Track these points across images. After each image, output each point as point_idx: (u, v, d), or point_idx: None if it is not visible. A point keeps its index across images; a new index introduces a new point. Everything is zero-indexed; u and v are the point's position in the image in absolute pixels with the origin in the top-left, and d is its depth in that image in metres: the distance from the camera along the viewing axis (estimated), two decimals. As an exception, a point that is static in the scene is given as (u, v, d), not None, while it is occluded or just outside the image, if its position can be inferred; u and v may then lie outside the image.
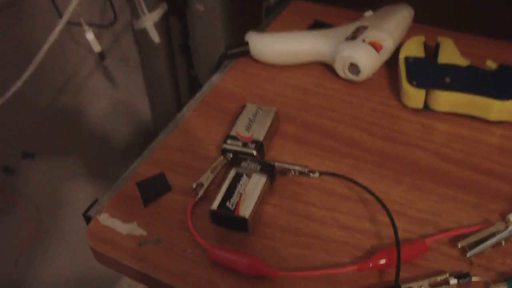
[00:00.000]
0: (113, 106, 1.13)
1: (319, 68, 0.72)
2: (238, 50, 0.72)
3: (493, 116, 0.63)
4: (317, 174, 0.57)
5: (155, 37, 1.04)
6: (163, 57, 1.07)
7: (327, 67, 0.71)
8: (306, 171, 0.57)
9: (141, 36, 1.04)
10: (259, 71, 0.72)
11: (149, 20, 1.02)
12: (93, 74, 1.06)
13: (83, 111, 1.06)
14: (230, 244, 0.52)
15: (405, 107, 0.66)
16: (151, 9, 0.99)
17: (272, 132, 0.61)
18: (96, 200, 0.56)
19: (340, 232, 0.53)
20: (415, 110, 0.65)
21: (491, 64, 0.66)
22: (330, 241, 0.52)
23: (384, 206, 0.52)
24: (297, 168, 0.57)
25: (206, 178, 0.56)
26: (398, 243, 0.49)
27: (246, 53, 0.72)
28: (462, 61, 0.66)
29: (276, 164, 0.56)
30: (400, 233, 0.52)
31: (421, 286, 0.48)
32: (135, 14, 0.99)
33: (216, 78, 0.71)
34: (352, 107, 0.66)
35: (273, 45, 0.71)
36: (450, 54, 0.67)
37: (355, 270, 0.49)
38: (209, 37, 0.88)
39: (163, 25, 1.04)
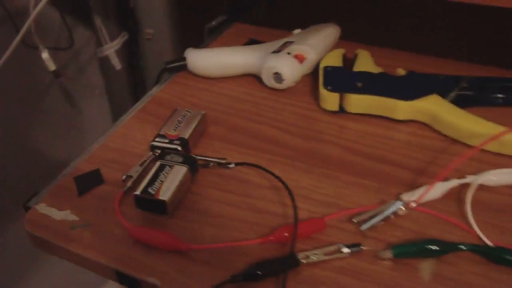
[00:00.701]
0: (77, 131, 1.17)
1: (249, 79, 0.78)
2: (177, 64, 0.79)
3: (400, 115, 0.69)
4: (233, 165, 0.62)
5: (116, 64, 1.11)
6: (125, 83, 1.13)
7: (257, 78, 0.77)
8: (224, 162, 0.62)
9: (104, 63, 1.10)
10: (195, 83, 0.78)
11: (111, 48, 1.08)
12: (56, 104, 1.10)
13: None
14: (153, 226, 0.57)
15: (323, 110, 0.72)
16: (112, 37, 1.05)
17: (199, 132, 0.67)
18: (36, 193, 0.61)
19: (252, 214, 0.58)
20: (332, 112, 0.71)
21: (400, 71, 0.73)
22: (242, 221, 0.57)
23: (287, 188, 0.58)
24: (215, 160, 0.62)
25: (135, 171, 0.62)
26: (296, 218, 0.55)
27: (183, 66, 0.78)
28: (375, 69, 0.73)
29: (197, 157, 0.62)
30: (305, 214, 0.58)
31: (316, 254, 0.52)
32: (99, 43, 1.06)
33: (155, 90, 0.78)
34: (276, 112, 0.72)
35: (208, 59, 0.77)
36: (365, 63, 0.74)
37: (259, 243, 0.54)
38: (159, 58, 0.94)
39: (124, 51, 1.10)
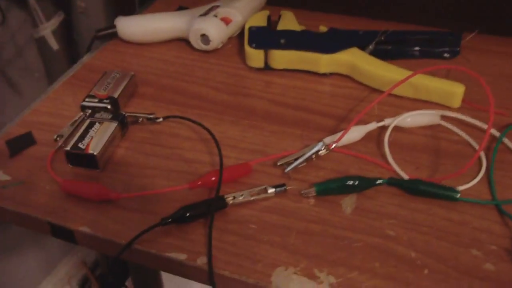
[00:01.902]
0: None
1: (179, 43, 0.79)
2: (107, 31, 0.78)
3: (323, 68, 0.70)
4: (161, 119, 0.63)
5: (53, 44, 1.08)
6: (64, 63, 1.12)
7: (186, 42, 0.78)
8: (152, 117, 0.62)
9: (42, 44, 1.08)
10: (126, 49, 0.78)
11: (47, 28, 1.06)
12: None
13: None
14: (85, 179, 0.58)
15: (250, 68, 0.73)
16: (48, 17, 1.03)
17: (129, 92, 0.67)
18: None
19: (182, 164, 0.59)
20: (258, 70, 0.73)
21: (323, 28, 0.74)
22: (172, 171, 0.58)
23: (212, 136, 0.59)
24: (144, 115, 0.63)
25: (66, 131, 0.62)
26: (221, 162, 0.56)
27: (114, 34, 0.78)
28: (298, 27, 0.74)
29: (126, 113, 0.62)
30: (232, 161, 0.59)
31: (242, 195, 0.53)
32: (34, 23, 1.04)
33: (86, 57, 0.77)
34: (204, 71, 0.73)
35: (137, 26, 0.77)
36: (288, 22, 0.75)
37: (187, 188, 0.54)
38: (92, 31, 0.93)
39: (62, 31, 1.08)
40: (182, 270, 0.49)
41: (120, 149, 0.60)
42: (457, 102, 0.65)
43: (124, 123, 0.61)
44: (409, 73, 0.64)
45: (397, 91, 0.65)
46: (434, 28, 0.78)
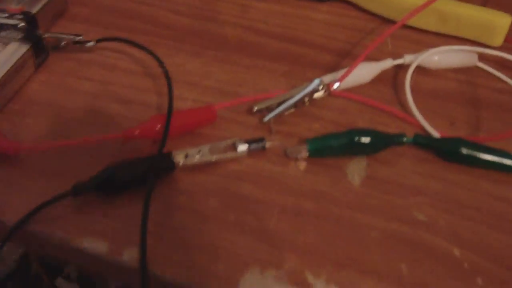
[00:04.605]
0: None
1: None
2: None
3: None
4: (92, 42, 0.41)
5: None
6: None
7: None
8: (80, 40, 0.41)
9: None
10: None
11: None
12: None
13: None
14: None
15: None
16: None
17: (55, 10, 0.47)
18: None
19: (118, 106, 0.39)
20: (233, -10, 0.51)
21: None
22: (103, 116, 0.38)
23: (162, 68, 0.37)
24: (69, 37, 0.41)
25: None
26: (170, 103, 0.36)
27: None
28: None
29: (45, 34, 0.40)
30: (189, 104, 0.40)
31: (199, 152, 0.33)
32: None
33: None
34: (161, -11, 0.51)
35: None
36: None
37: (120, 139, 0.33)
38: None
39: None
40: (101, 266, 0.28)
41: (33, 83, 0.41)
42: (498, 39, 0.47)
43: (40, 48, 0.41)
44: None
45: (418, 22, 0.47)
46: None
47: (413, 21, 0.46)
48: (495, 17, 0.45)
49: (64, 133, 0.37)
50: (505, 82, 0.43)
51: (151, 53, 0.41)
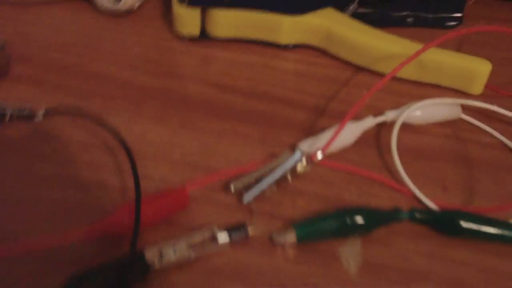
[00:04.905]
0: None
1: (78, 2, 0.52)
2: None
3: (286, 37, 0.47)
4: (41, 114, 0.36)
5: None
6: None
7: (89, 3, 0.51)
8: (27, 113, 0.36)
9: None
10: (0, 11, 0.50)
11: None
12: None
13: None
14: None
15: (180, 38, 0.47)
16: None
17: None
18: None
19: (74, 192, 0.34)
20: (191, 40, 0.48)
21: None
22: (54, 205, 0.33)
23: (123, 145, 0.32)
24: (15, 109, 0.36)
25: None
26: (138, 193, 0.30)
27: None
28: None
29: None
30: (156, 184, 0.35)
31: (174, 250, 0.29)
32: None
33: None
34: (114, 43, 0.48)
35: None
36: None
37: (80, 239, 0.29)
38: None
39: None
40: None
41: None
42: (478, 88, 0.45)
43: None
44: (415, 45, 0.43)
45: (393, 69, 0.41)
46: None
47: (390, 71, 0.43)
48: (475, 64, 0.43)
49: (9, 234, 0.31)
50: (492, 135, 0.41)
51: (106, 125, 0.36)
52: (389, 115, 0.40)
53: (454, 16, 0.53)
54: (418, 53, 0.40)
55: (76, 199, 0.34)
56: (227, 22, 0.47)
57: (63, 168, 0.36)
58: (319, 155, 0.35)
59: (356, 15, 0.49)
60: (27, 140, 0.38)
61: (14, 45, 0.46)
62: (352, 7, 0.49)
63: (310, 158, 0.35)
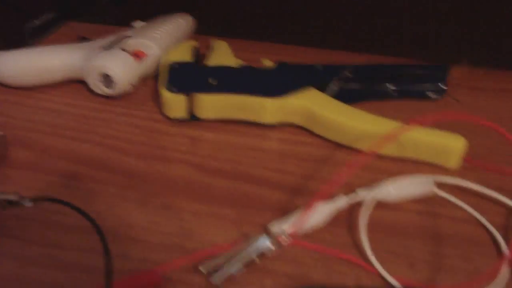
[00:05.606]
0: None
1: (76, 87, 0.57)
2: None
3: (268, 118, 0.50)
4: (29, 203, 0.40)
5: None
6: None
7: (85, 85, 0.55)
8: (15, 200, 0.40)
9: None
10: (5, 97, 0.56)
11: None
12: None
13: None
14: None
15: (170, 120, 0.52)
16: None
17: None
18: None
19: (59, 274, 0.37)
20: (180, 122, 0.52)
21: (267, 63, 0.53)
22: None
23: (98, 231, 0.36)
24: (3, 197, 0.40)
25: None
26: (109, 275, 0.33)
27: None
28: (234, 62, 0.53)
29: None
30: (135, 264, 0.38)
31: None
32: None
33: None
34: (107, 126, 0.51)
35: (17, 63, 0.55)
36: (222, 56, 0.55)
37: None
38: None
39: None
40: None
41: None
42: (455, 161, 0.47)
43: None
44: (393, 123, 0.46)
45: (370, 147, 0.44)
46: (412, 60, 0.59)
47: (364, 146, 0.46)
48: (450, 141, 0.45)
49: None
50: (465, 210, 0.43)
51: (81, 212, 0.40)
52: (360, 194, 0.42)
53: (437, 87, 0.55)
54: (395, 135, 0.42)
55: (59, 280, 0.37)
56: (213, 105, 0.50)
57: (52, 250, 0.39)
58: (285, 239, 0.37)
59: (340, 91, 0.52)
60: (19, 223, 0.41)
61: (15, 130, 0.51)
62: (333, 86, 0.52)
63: (277, 240, 0.38)
